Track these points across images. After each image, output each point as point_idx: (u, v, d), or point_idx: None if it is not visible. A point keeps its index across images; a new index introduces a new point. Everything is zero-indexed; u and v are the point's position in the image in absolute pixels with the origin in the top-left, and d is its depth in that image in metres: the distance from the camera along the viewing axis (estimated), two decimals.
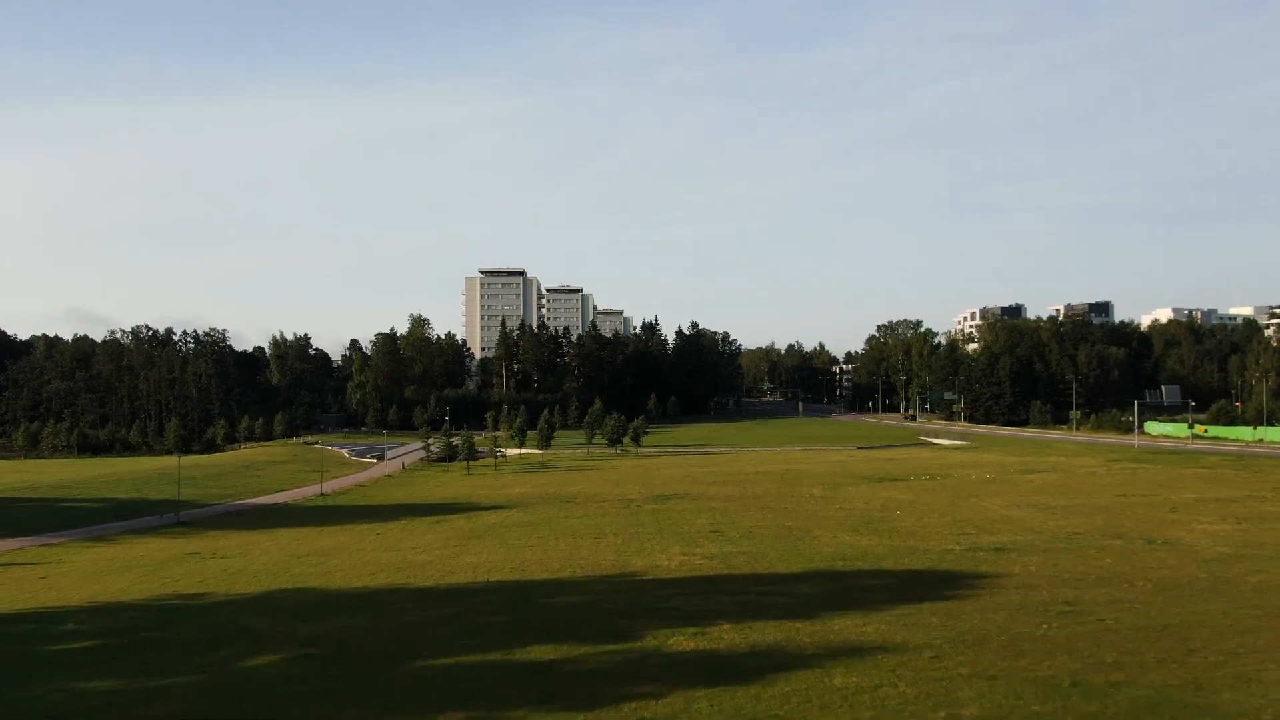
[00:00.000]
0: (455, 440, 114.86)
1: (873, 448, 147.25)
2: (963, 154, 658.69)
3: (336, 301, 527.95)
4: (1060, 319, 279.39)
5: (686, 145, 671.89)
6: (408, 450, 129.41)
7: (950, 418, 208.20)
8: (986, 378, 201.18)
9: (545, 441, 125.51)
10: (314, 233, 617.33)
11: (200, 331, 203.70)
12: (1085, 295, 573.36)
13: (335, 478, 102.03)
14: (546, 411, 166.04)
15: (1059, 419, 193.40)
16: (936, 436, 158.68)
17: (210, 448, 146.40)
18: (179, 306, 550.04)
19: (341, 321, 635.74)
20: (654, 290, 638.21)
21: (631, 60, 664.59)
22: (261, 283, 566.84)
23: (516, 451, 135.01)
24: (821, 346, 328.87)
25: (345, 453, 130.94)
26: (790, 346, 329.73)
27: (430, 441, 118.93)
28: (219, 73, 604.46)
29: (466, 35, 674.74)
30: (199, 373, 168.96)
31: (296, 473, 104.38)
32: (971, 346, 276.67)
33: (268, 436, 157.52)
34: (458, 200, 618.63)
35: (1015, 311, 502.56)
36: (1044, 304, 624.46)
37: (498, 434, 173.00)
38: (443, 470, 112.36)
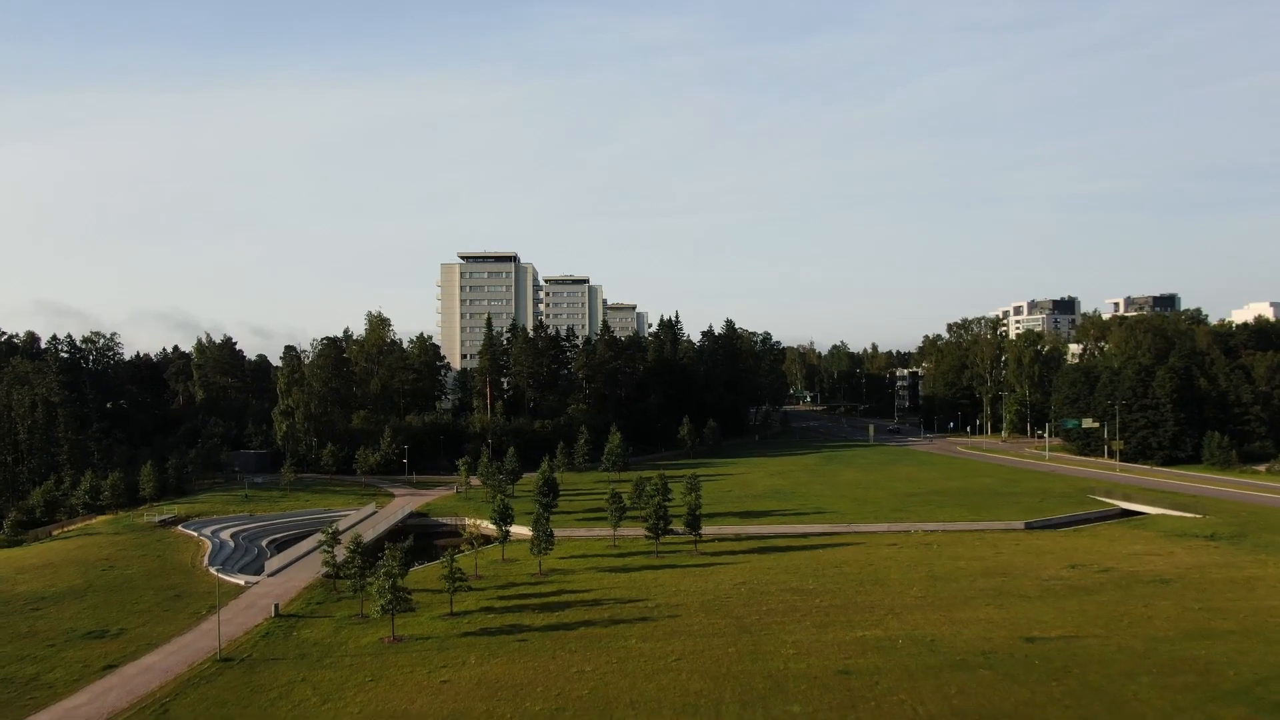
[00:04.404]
0: (383, 557, 61.79)
1: (1058, 526, 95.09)
2: (974, 143, 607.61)
3: (327, 298, 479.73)
4: (1205, 319, 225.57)
5: (690, 135, 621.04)
6: (315, 545, 75.74)
7: (1087, 450, 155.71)
8: (1138, 398, 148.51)
9: (544, 539, 72.42)
10: (307, 226, 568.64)
11: (77, 337, 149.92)
12: (1135, 288, 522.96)
13: (83, 684, 48.68)
14: (546, 462, 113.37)
15: (1245, 456, 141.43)
16: (1129, 499, 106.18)
17: (22, 528, 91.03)
18: (162, 301, 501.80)
19: (336, 320, 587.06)
20: (658, 285, 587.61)
21: (631, 49, 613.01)
22: (250, 279, 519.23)
23: (493, 536, 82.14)
24: (875, 349, 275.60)
25: (209, 550, 77.81)
26: (834, 348, 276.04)
27: (336, 538, 65.90)
28: (211, 63, 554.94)
29: (464, 23, 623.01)
30: (35, 399, 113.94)
31: (15, 662, 51.37)
32: (1075, 349, 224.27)
33: (130, 500, 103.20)
34: (455, 192, 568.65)
35: (1069, 305, 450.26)
36: (1099, 296, 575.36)
37: (471, 482, 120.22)
38: (349, 621, 59.32)
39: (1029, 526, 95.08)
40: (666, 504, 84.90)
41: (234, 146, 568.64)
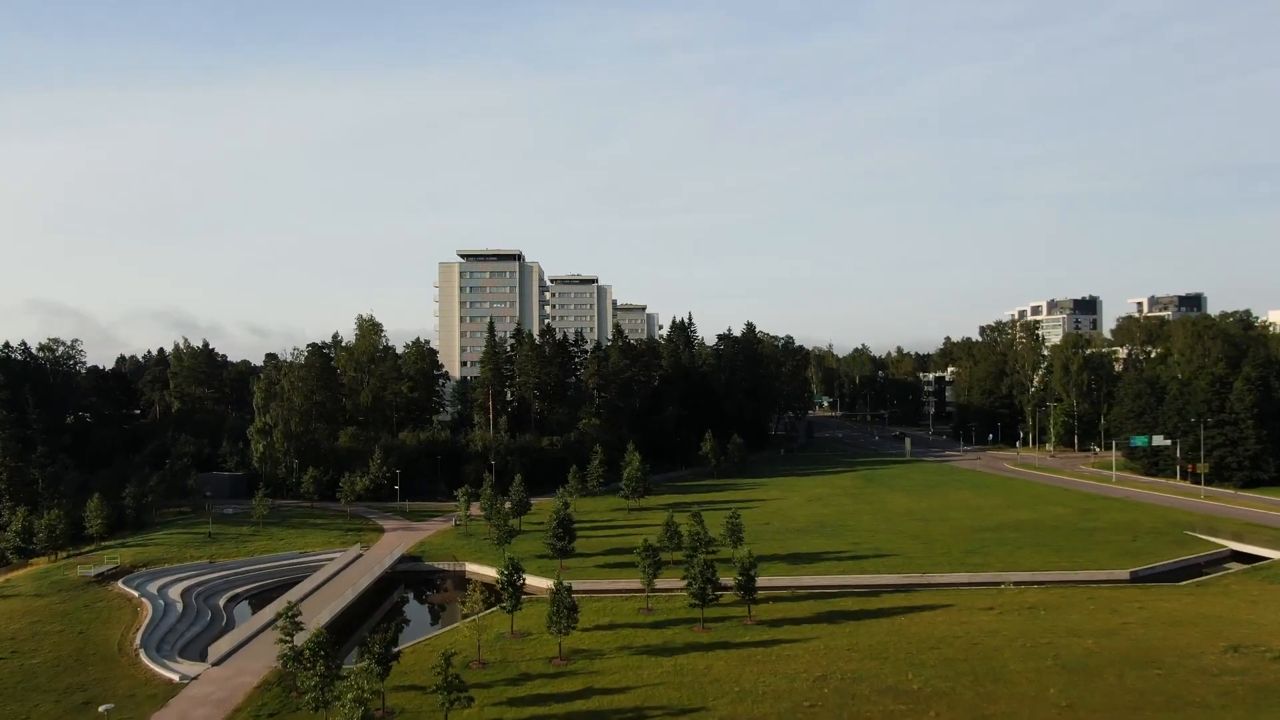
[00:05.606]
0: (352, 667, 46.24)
1: (1167, 576, 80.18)
2: (976, 141, 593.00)
3: (327, 298, 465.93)
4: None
5: (691, 134, 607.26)
6: (275, 617, 59.50)
7: (1155, 470, 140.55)
8: (1213, 413, 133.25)
9: (566, 614, 56.97)
10: (308, 225, 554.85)
11: (32, 345, 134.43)
12: (1150, 288, 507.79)
13: None
14: (561, 495, 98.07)
15: None
16: (1239, 539, 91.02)
17: None
18: (160, 300, 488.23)
19: (338, 320, 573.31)
20: (662, 285, 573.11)
21: (632, 48, 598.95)
22: (250, 278, 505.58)
23: (498, 586, 65.98)
24: (900, 351, 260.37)
25: (147, 620, 62.60)
26: (856, 351, 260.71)
27: (295, 620, 50.61)
28: (211, 62, 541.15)
29: (465, 23, 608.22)
30: None
31: None
32: (1121, 355, 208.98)
33: (74, 539, 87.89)
34: (456, 192, 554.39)
35: (1090, 305, 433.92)
36: (1115, 296, 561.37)
37: (471, 512, 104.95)
38: None
39: (1135, 577, 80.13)
40: (711, 557, 69.81)
41: (234, 145, 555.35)
